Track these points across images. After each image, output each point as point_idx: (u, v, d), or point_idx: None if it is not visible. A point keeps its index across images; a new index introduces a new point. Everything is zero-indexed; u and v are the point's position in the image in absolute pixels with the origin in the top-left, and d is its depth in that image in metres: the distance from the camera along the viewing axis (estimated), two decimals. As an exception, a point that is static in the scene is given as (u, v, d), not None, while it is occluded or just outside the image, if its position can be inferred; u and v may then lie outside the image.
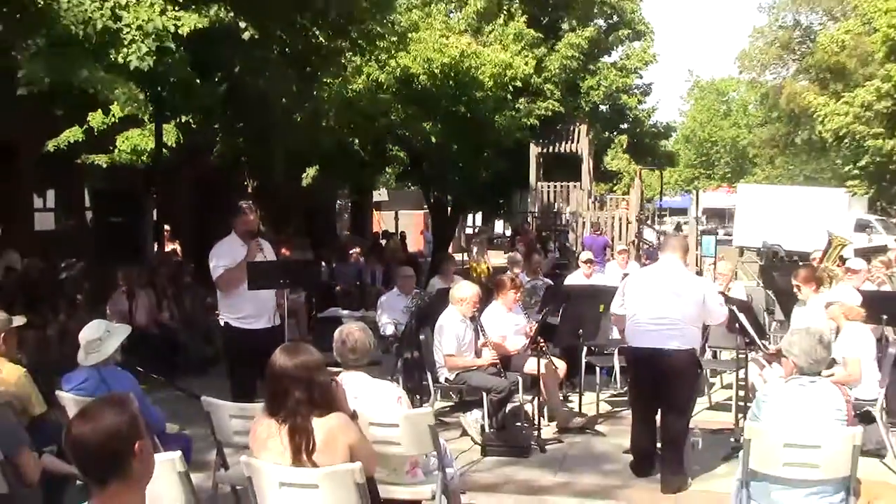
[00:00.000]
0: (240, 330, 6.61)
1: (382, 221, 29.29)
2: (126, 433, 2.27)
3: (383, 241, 20.86)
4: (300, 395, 3.41)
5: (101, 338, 4.88)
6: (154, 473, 2.42)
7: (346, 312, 10.89)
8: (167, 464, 3.47)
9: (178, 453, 3.55)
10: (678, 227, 28.71)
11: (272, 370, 3.52)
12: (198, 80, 10.22)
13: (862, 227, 26.59)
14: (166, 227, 16.04)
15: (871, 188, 26.20)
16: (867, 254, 11.62)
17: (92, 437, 2.23)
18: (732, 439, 6.38)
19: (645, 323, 5.78)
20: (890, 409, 6.81)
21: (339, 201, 26.61)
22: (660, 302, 5.74)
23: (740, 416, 6.65)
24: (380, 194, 29.75)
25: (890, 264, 10.32)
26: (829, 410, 4.08)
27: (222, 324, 6.88)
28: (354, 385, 4.27)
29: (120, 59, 8.09)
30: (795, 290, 7.48)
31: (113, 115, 13.90)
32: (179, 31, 8.27)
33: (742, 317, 6.52)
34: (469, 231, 30.24)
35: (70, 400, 4.76)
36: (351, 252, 16.02)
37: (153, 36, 8.07)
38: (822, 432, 3.99)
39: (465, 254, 19.82)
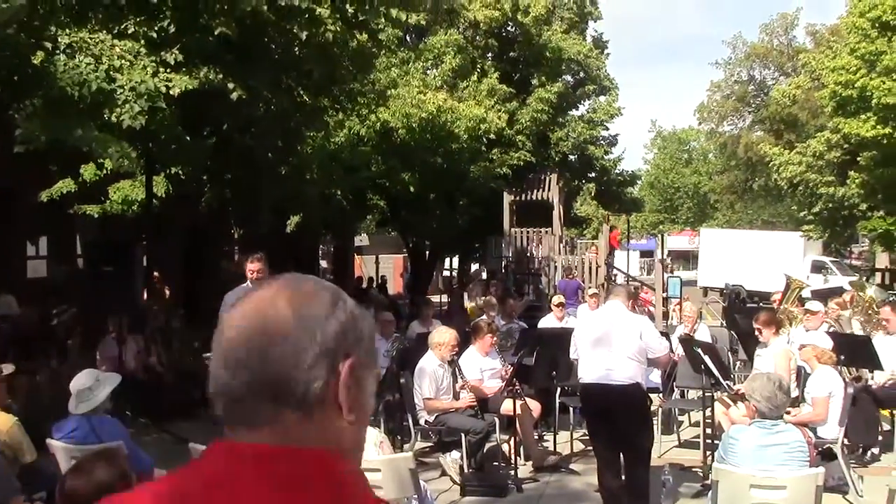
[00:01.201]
0: None
1: (364, 265, 29.76)
2: (117, 487, 2.33)
3: (365, 286, 21.37)
4: None
5: (91, 387, 4.88)
6: None
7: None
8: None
9: None
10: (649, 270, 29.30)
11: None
12: (187, 137, 10.45)
13: (818, 268, 27.51)
14: (155, 273, 16.46)
15: (825, 232, 27.16)
16: (824, 295, 12.05)
17: (85, 492, 2.32)
18: (701, 474, 6.62)
19: (592, 361, 5.95)
20: (850, 447, 7.21)
21: (321, 246, 27.09)
22: (603, 340, 5.91)
23: (708, 453, 6.69)
24: (361, 239, 30.17)
25: (845, 305, 10.87)
26: (792, 452, 4.23)
27: None
28: None
29: (113, 119, 8.26)
30: (757, 332, 7.70)
31: (105, 168, 14.39)
32: (171, 92, 8.46)
33: (707, 358, 6.67)
34: (446, 273, 30.75)
35: (60, 448, 4.75)
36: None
37: (145, 97, 8.21)
38: (787, 473, 4.14)
39: (444, 295, 20.38)
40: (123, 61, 8.27)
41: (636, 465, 5.92)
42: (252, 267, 6.87)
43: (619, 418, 5.85)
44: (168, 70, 8.55)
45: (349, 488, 1.04)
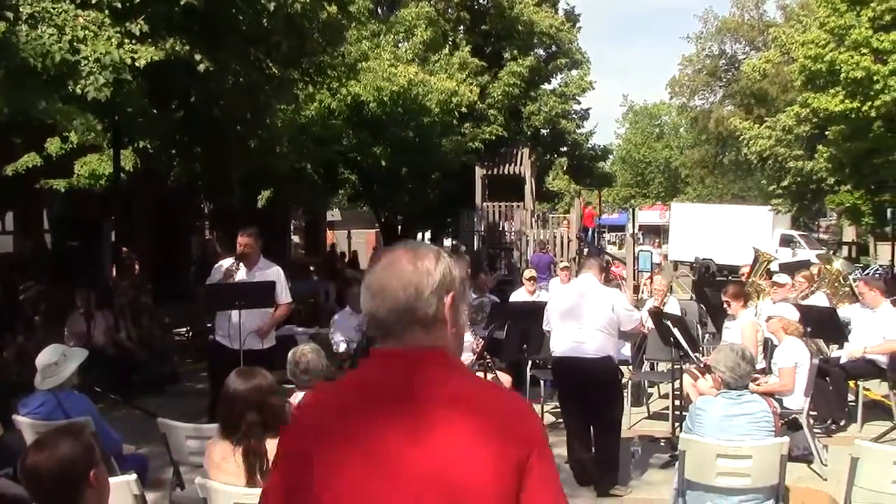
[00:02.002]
0: (220, 346, 6.83)
1: (336, 240, 29.68)
2: (81, 462, 2.26)
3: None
4: (253, 417, 3.46)
5: (57, 362, 4.83)
6: (112, 496, 2.43)
7: (300, 330, 10.96)
8: (123, 486, 3.48)
9: (134, 476, 3.59)
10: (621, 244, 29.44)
11: (226, 394, 3.56)
12: (154, 110, 10.31)
13: (786, 241, 27.86)
14: (124, 248, 16.31)
15: (793, 206, 27.45)
16: (791, 269, 12.01)
17: (47, 467, 2.23)
18: (670, 445, 6.58)
19: (564, 334, 5.99)
20: (819, 418, 7.38)
21: (293, 221, 26.93)
22: (574, 313, 5.96)
23: (677, 424, 6.73)
24: (333, 214, 30.07)
25: (812, 278, 11.01)
26: (757, 422, 4.26)
27: (212, 339, 7.15)
28: None
29: (78, 91, 8.15)
30: (725, 305, 7.79)
31: (71, 142, 14.17)
32: (136, 64, 8.35)
33: (676, 331, 6.72)
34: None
35: (26, 424, 4.70)
36: (307, 269, 16.48)
37: (110, 68, 8.11)
38: (752, 443, 4.18)
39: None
40: (87, 32, 8.11)
41: (606, 437, 5.97)
42: (240, 241, 6.86)
43: (590, 391, 5.90)
44: (133, 41, 8.39)
45: (457, 368, 1.74)
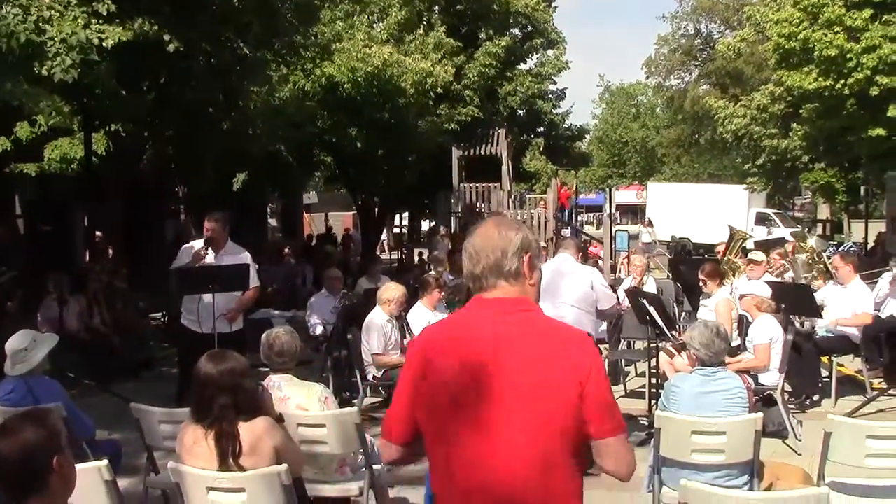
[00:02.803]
0: (188, 331, 6.81)
1: (313, 223, 29.54)
2: (44, 449, 2.22)
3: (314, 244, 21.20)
4: (225, 400, 3.40)
5: (27, 348, 4.78)
6: (80, 482, 2.41)
7: (276, 313, 10.95)
8: (94, 472, 3.46)
9: (105, 462, 3.55)
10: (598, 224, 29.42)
11: (197, 377, 3.50)
12: (124, 91, 10.16)
13: (762, 220, 28.09)
14: (98, 233, 16.12)
15: (768, 184, 27.66)
16: (766, 246, 12.20)
17: (9, 454, 2.19)
18: (647, 422, 6.63)
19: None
20: (793, 393, 7.45)
21: (270, 204, 26.76)
22: (550, 291, 5.79)
23: (653, 402, 6.71)
24: (309, 197, 29.91)
25: (786, 256, 11.15)
26: (731, 398, 4.29)
27: (181, 324, 7.10)
28: (283, 387, 4.37)
29: (44, 72, 8.04)
30: (701, 283, 7.86)
31: (41, 126, 13.96)
32: (104, 44, 8.24)
33: (652, 309, 6.73)
34: (396, 231, 30.67)
35: (-4, 410, 4.55)
36: (284, 253, 16.39)
37: (77, 49, 8.00)
38: (726, 419, 4.19)
39: (393, 252, 20.25)
40: (53, 12, 7.98)
41: None
42: (207, 225, 6.85)
43: None
44: (100, 21, 8.26)
45: (534, 310, 2.30)
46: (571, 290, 5.94)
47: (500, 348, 2.17)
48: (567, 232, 22.12)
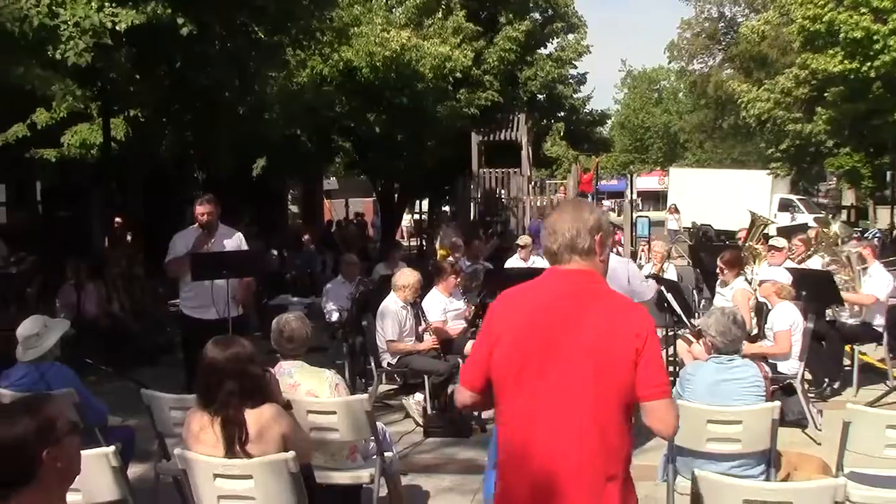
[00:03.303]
0: (190, 319, 6.70)
1: (333, 209, 29.55)
2: (32, 442, 2.17)
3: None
4: (232, 387, 3.37)
5: (38, 333, 4.77)
6: (87, 468, 2.38)
7: (295, 300, 10.92)
8: (101, 459, 3.46)
9: (112, 448, 3.56)
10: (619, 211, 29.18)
11: (204, 363, 3.47)
12: (138, 76, 10.19)
13: (785, 206, 27.75)
14: (117, 219, 16.20)
15: (792, 169, 27.35)
16: (788, 232, 11.99)
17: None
18: None
19: None
20: (814, 381, 7.34)
21: (290, 191, 26.78)
22: None
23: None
24: (329, 183, 29.90)
25: (809, 242, 10.99)
26: (748, 387, 4.21)
27: (180, 312, 6.97)
28: (293, 373, 4.34)
29: (58, 56, 8.02)
30: (718, 271, 7.73)
31: (59, 112, 14.01)
32: (117, 28, 8.21)
33: (670, 296, 6.68)
34: (416, 217, 30.57)
35: (7, 396, 4.56)
36: (303, 239, 16.39)
37: (90, 32, 7.98)
38: (743, 408, 4.11)
39: (415, 238, 20.19)
40: (66, -5, 7.94)
41: None
42: (201, 209, 6.64)
43: None
44: (113, 4, 8.22)
45: (601, 282, 2.57)
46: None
47: (567, 313, 2.48)
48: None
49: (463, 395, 2.70)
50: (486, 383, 2.61)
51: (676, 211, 26.00)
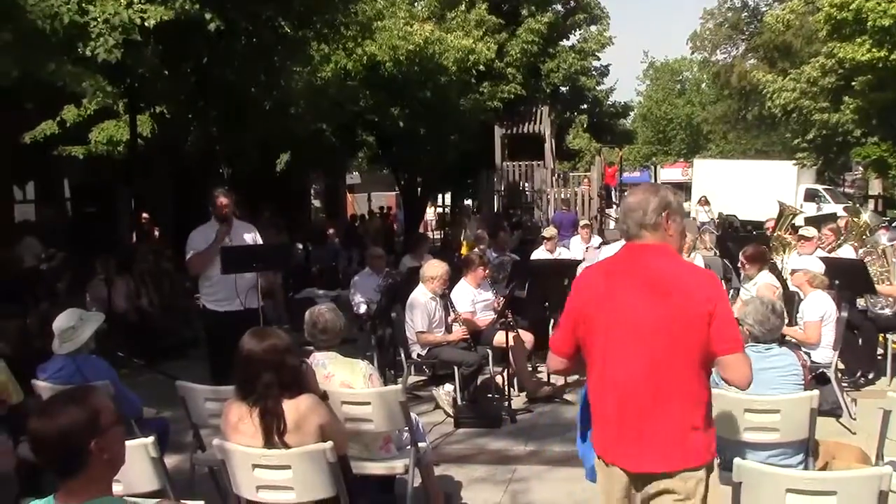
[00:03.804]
0: (214, 312, 6.70)
1: (356, 204, 29.63)
2: (82, 431, 2.20)
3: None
4: (269, 378, 3.40)
5: (74, 326, 4.83)
6: (128, 459, 2.43)
7: (321, 293, 10.98)
8: (140, 449, 3.52)
9: (151, 439, 3.62)
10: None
11: (241, 355, 3.48)
12: (166, 72, 10.24)
13: (811, 196, 27.47)
14: (144, 214, 16.35)
15: (818, 159, 26.96)
16: (817, 221, 11.96)
17: (48, 435, 2.19)
18: None
19: None
20: (847, 371, 7.28)
21: (314, 186, 26.88)
22: None
23: None
24: (352, 177, 29.96)
25: (838, 232, 10.87)
26: (786, 375, 4.19)
27: (202, 307, 7.02)
28: (327, 364, 4.36)
29: (88, 52, 8.09)
30: (741, 266, 7.69)
31: (87, 108, 14.14)
32: (146, 24, 8.27)
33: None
34: (439, 210, 30.56)
35: (46, 388, 4.68)
36: (327, 233, 16.46)
37: (120, 29, 8.04)
38: (781, 397, 4.08)
39: (438, 231, 20.20)
40: (96, -8, 8.01)
41: None
42: (222, 201, 6.68)
43: None
44: (142, 1, 8.29)
45: (673, 255, 2.89)
46: None
47: (643, 281, 2.82)
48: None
49: (554, 360, 3.08)
50: (574, 350, 2.98)
51: (707, 203, 25.79)
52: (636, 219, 2.87)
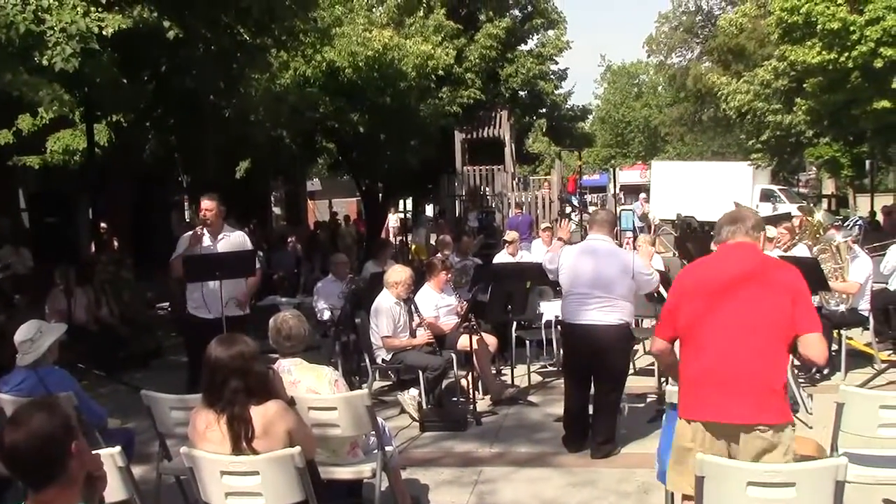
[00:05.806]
0: (192, 318, 6.79)
1: (317, 210, 29.48)
2: (61, 436, 2.19)
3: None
4: (237, 384, 3.40)
5: (33, 338, 4.79)
6: None
7: (284, 300, 10.93)
8: (107, 459, 3.47)
9: (118, 448, 3.58)
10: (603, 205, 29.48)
11: (208, 361, 3.49)
12: (125, 80, 10.03)
13: (767, 196, 27.94)
14: (103, 224, 16.11)
15: (772, 160, 27.43)
16: (772, 221, 12.41)
17: (26, 445, 2.15)
18: (657, 401, 6.69)
19: (580, 299, 5.80)
20: (801, 366, 7.26)
21: (274, 193, 26.70)
22: (593, 278, 5.76)
23: (662, 380, 6.73)
24: (313, 184, 29.79)
25: (794, 230, 11.10)
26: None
27: (187, 312, 7.07)
28: (293, 371, 4.39)
29: (45, 62, 7.96)
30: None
31: (42, 117, 13.91)
32: (104, 33, 8.15)
33: (660, 287, 6.72)
34: (400, 216, 30.53)
35: (8, 401, 4.61)
36: (288, 241, 16.40)
37: (77, 38, 7.90)
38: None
39: (399, 237, 20.22)
40: (52, 1, 7.89)
41: (610, 393, 5.94)
42: (205, 205, 6.82)
43: (606, 358, 5.81)
44: (100, 9, 8.20)
45: (760, 253, 3.62)
46: (618, 284, 5.77)
47: (736, 273, 3.43)
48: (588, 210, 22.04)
49: (658, 343, 3.68)
50: (674, 334, 3.56)
51: (647, 201, 26.24)
52: (734, 227, 3.55)
